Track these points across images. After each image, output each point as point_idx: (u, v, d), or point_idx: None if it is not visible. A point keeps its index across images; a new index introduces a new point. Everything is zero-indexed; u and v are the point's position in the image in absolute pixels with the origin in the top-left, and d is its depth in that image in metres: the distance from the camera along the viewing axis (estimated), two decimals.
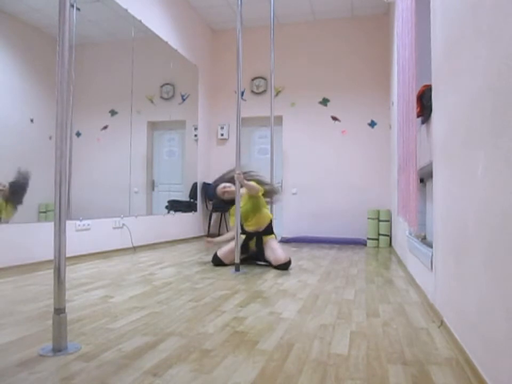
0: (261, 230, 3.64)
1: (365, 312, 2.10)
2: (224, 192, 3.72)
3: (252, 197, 3.62)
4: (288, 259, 3.43)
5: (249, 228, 3.63)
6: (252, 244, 3.64)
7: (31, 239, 3.22)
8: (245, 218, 3.61)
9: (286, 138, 6.39)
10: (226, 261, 3.51)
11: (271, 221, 3.71)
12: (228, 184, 3.74)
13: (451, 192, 1.66)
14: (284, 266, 3.40)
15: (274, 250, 3.51)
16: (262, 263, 3.63)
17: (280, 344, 1.60)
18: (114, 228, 4.24)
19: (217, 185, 3.81)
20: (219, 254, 3.55)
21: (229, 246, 3.55)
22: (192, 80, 6.12)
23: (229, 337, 1.66)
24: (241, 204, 3.50)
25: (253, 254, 3.66)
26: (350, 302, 2.30)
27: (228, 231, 6.35)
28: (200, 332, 1.74)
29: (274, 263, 3.45)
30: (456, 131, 1.56)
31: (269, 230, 3.67)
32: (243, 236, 3.61)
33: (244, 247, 3.58)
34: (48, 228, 3.23)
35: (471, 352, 1.35)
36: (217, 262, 3.53)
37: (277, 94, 6.26)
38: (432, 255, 2.13)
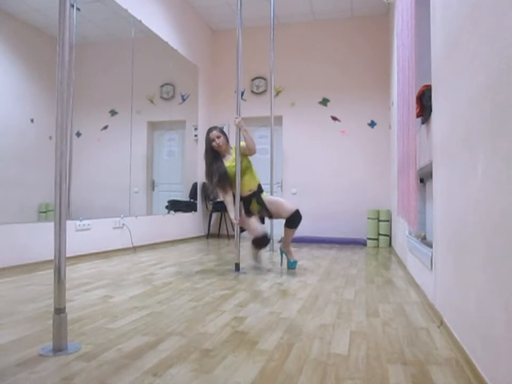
0: (255, 189, 3.44)
1: (364, 312, 2.10)
2: (214, 139, 3.37)
3: (244, 155, 3.39)
4: (296, 208, 3.33)
5: (244, 192, 3.37)
6: (254, 207, 3.42)
7: (31, 239, 3.22)
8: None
9: (286, 138, 6.39)
10: (262, 232, 3.32)
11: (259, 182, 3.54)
12: (220, 134, 3.42)
13: (451, 192, 1.66)
14: (296, 217, 3.30)
15: (282, 204, 3.37)
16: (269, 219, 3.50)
17: (280, 344, 1.60)
18: (114, 228, 4.24)
19: (214, 128, 3.49)
20: (254, 234, 3.30)
21: (253, 222, 3.35)
22: (192, 80, 6.12)
23: (229, 337, 1.66)
24: (227, 164, 3.38)
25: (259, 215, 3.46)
26: (350, 302, 2.30)
27: (228, 227, 6.36)
28: (200, 331, 1.74)
29: (285, 215, 3.32)
30: (455, 131, 1.56)
31: (261, 188, 3.49)
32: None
33: (247, 214, 3.39)
34: (48, 227, 3.23)
35: (471, 352, 1.35)
36: (262, 241, 3.32)
37: (277, 94, 6.26)
38: (432, 255, 2.13)
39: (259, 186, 3.49)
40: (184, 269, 3.34)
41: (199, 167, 6.17)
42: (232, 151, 3.49)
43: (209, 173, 3.41)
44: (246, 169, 3.43)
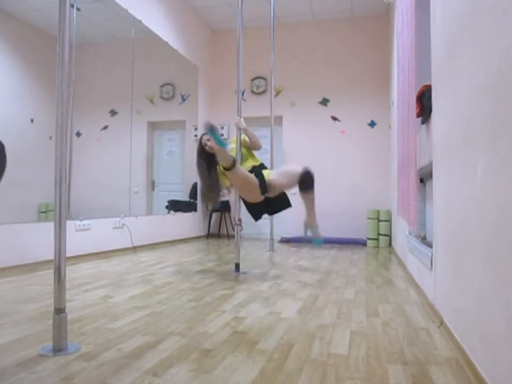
0: (257, 165, 3.33)
1: (364, 312, 2.10)
2: (206, 143, 3.27)
3: (244, 146, 3.36)
4: (302, 169, 3.06)
5: (244, 166, 3.26)
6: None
7: (31, 239, 3.22)
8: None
9: (286, 138, 6.39)
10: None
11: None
12: (210, 137, 3.27)
13: (451, 192, 1.66)
14: (307, 178, 3.04)
15: (288, 171, 3.11)
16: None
17: (280, 344, 1.60)
18: (114, 228, 4.24)
19: (204, 134, 3.39)
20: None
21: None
22: (192, 80, 6.12)
23: (229, 337, 1.66)
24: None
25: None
26: (350, 302, 2.30)
27: (228, 229, 6.36)
28: (200, 331, 1.74)
29: (296, 180, 3.07)
30: (455, 131, 1.56)
31: (263, 166, 3.38)
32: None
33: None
34: (48, 227, 3.23)
35: (471, 352, 1.35)
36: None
37: (277, 94, 6.26)
38: (432, 255, 2.13)
39: (261, 164, 3.40)
40: (184, 269, 3.34)
41: None
42: (228, 146, 3.45)
43: (206, 185, 3.36)
44: (246, 157, 3.39)
